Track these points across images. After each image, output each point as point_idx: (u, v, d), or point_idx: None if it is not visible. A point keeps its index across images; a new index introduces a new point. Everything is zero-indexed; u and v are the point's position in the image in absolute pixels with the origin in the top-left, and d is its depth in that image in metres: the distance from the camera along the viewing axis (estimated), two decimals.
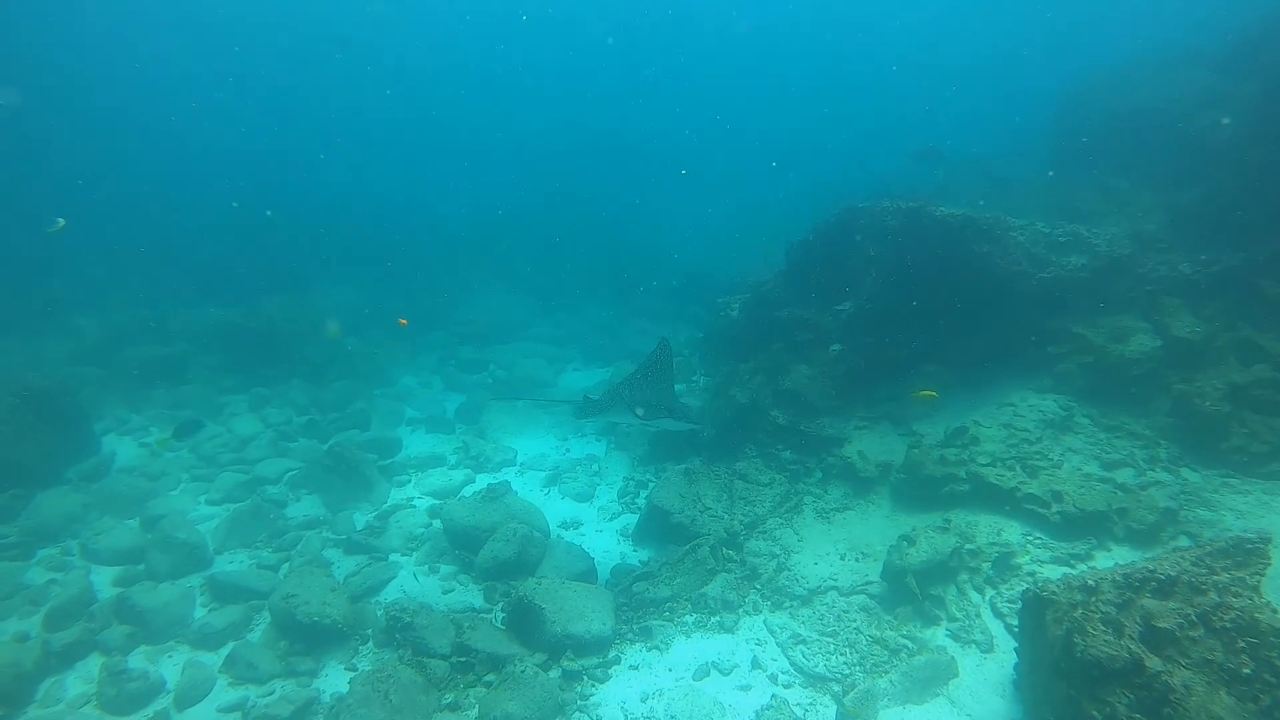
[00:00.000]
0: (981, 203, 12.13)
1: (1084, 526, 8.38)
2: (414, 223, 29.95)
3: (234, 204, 24.62)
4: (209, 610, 8.71)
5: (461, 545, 10.07)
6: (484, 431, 14.26)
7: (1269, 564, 6.32)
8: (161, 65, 48.41)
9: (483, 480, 12.38)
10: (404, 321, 15.88)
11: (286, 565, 9.87)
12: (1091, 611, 5.72)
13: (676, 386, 15.18)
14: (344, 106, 53.77)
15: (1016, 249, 10.89)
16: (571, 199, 31.34)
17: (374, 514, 11.28)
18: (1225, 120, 12.62)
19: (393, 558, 10.25)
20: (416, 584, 9.63)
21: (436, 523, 10.82)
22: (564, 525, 11.24)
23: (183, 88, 47.98)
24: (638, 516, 10.90)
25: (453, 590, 9.51)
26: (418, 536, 10.68)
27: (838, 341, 11.55)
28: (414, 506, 11.63)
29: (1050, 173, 15.24)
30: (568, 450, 13.69)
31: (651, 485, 11.49)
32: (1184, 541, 8.20)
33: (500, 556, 9.48)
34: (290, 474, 12.26)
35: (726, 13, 54.60)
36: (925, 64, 48.21)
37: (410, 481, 12.58)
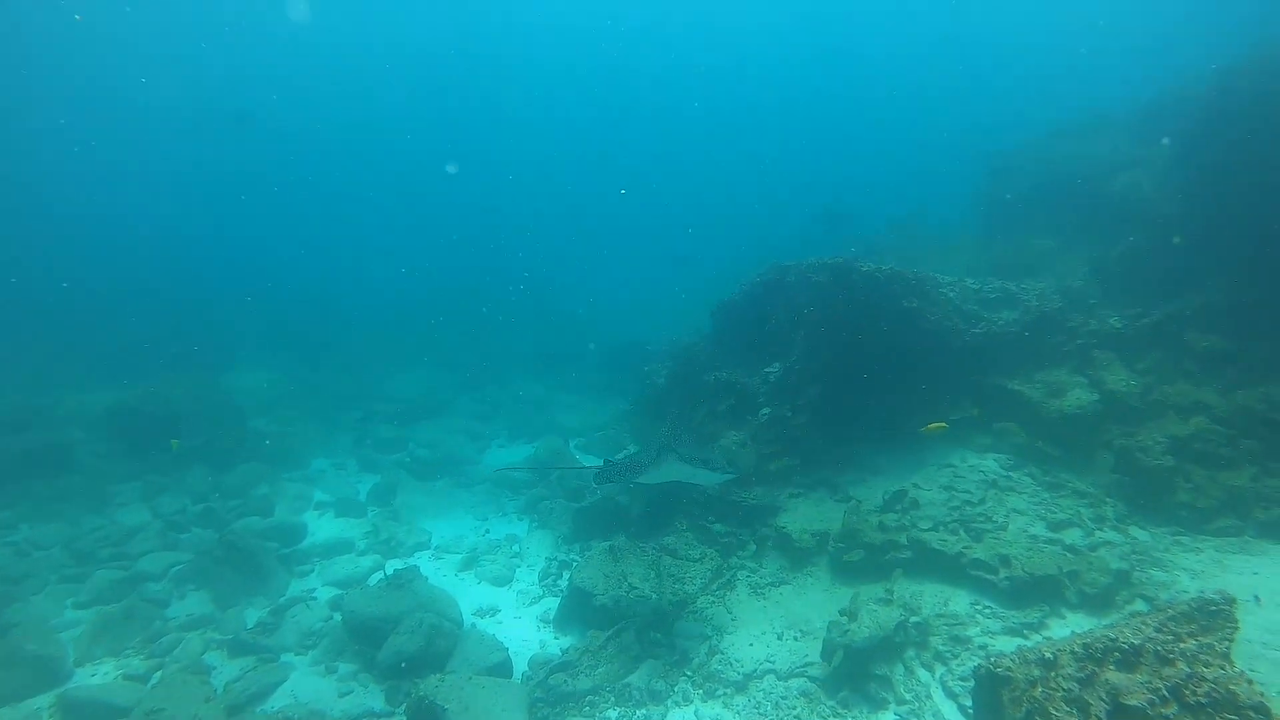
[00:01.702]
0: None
1: (1035, 592, 7.77)
2: (336, 301, 29.08)
3: (140, 280, 23.40)
4: None
5: (363, 640, 8.98)
6: (398, 513, 13.22)
7: (1237, 628, 5.74)
8: (61, 136, 46.97)
9: (394, 566, 11.27)
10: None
11: (159, 674, 8.60)
12: (1052, 689, 5.03)
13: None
14: (257, 181, 52.76)
15: (947, 305, 10.62)
16: (500, 273, 30.98)
17: (269, 609, 10.09)
18: (1165, 140, 12.76)
19: (285, 658, 9.08)
20: (310, 687, 8.48)
21: (337, 615, 9.68)
22: (479, 613, 10.19)
23: (84, 162, 46.61)
24: (559, 600, 9.94)
25: (351, 692, 8.39)
26: (316, 632, 9.53)
27: (767, 405, 10.96)
28: (315, 598, 10.50)
29: (977, 233, 15.32)
30: (487, 531, 12.71)
31: (575, 565, 10.55)
32: (1140, 605, 7.64)
33: (405, 651, 8.44)
34: (177, 568, 10.99)
35: (661, 78, 55.93)
36: (859, 134, 49.90)
37: (313, 571, 11.43)
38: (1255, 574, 7.97)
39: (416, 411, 18.56)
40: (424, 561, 11.62)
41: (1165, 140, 13.10)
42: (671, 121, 58.27)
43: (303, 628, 9.57)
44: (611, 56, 55.17)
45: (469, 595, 10.55)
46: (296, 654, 9.16)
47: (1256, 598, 7.44)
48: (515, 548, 11.95)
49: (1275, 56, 11.44)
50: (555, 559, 11.30)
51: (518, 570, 11.29)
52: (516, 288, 29.45)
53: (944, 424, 9.80)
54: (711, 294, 13.03)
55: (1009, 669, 5.32)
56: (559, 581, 10.66)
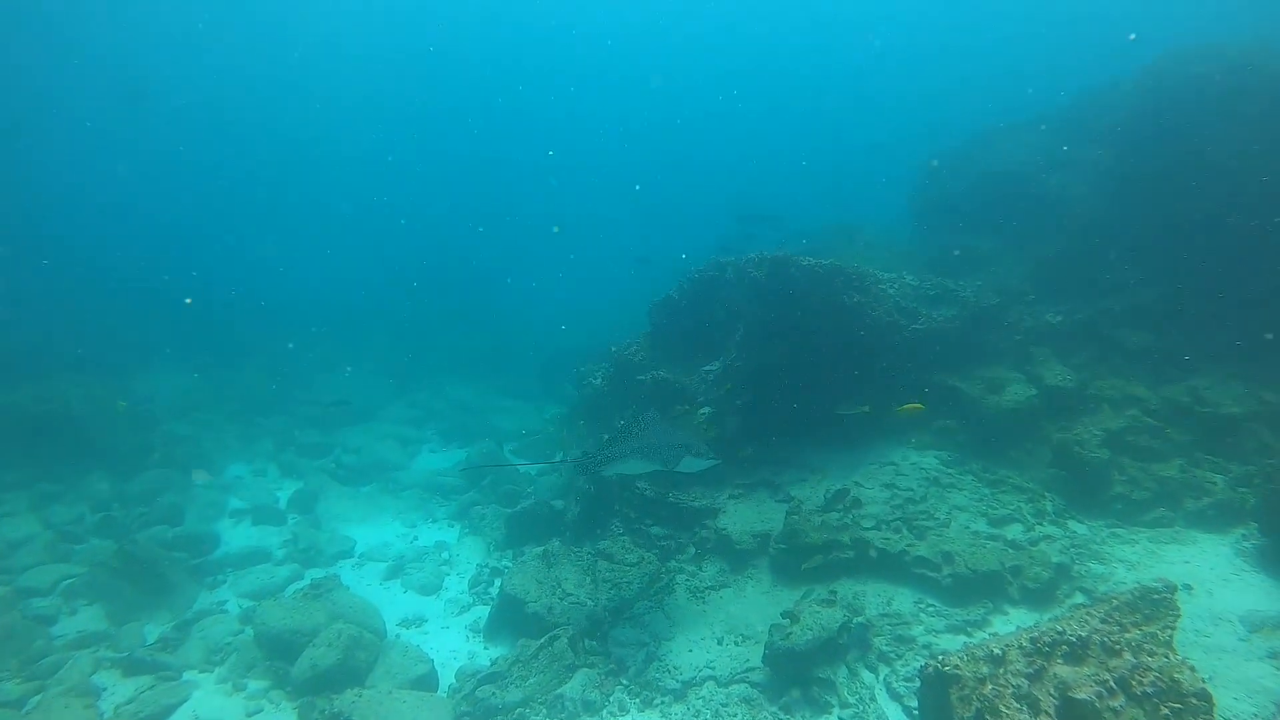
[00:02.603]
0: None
1: (978, 588, 7.64)
2: (261, 301, 27.84)
3: (44, 264, 21.89)
4: None
5: (276, 654, 8.39)
6: (320, 521, 12.55)
7: (1179, 615, 5.68)
8: None
9: (313, 576, 10.65)
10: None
11: (38, 698, 7.84)
12: (1002, 686, 4.83)
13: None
14: (178, 175, 50.65)
15: (887, 301, 10.53)
16: (436, 275, 30.14)
17: (172, 624, 9.37)
18: (1093, 143, 12.96)
19: (188, 675, 8.39)
20: (214, 706, 7.85)
21: (248, 629, 9.04)
22: (404, 623, 9.66)
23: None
24: (490, 608, 9.47)
25: (260, 711, 7.80)
26: (224, 647, 8.87)
27: (707, 404, 10.69)
28: (225, 611, 9.83)
29: (915, 236, 15.39)
30: (415, 538, 12.15)
31: (507, 572, 10.07)
32: (1080, 598, 7.59)
33: (320, 665, 7.87)
34: (68, 582, 10.14)
35: (613, 79, 55.74)
36: (800, 140, 50.45)
37: (225, 582, 10.71)
38: (1187, 563, 8.01)
39: (343, 416, 17.77)
40: (346, 570, 11.02)
41: (1094, 143, 13.35)
42: (624, 124, 58.17)
43: (210, 643, 8.90)
44: (564, 57, 54.92)
45: (394, 605, 10.01)
46: (201, 671, 8.48)
47: (1189, 586, 7.45)
48: (445, 555, 11.43)
49: (1194, 59, 11.73)
50: (487, 566, 10.83)
51: (447, 578, 10.78)
52: (453, 289, 28.66)
53: (920, 405, 9.66)
54: (656, 293, 12.72)
55: (957, 667, 5.10)
56: (490, 589, 10.19)
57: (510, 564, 10.50)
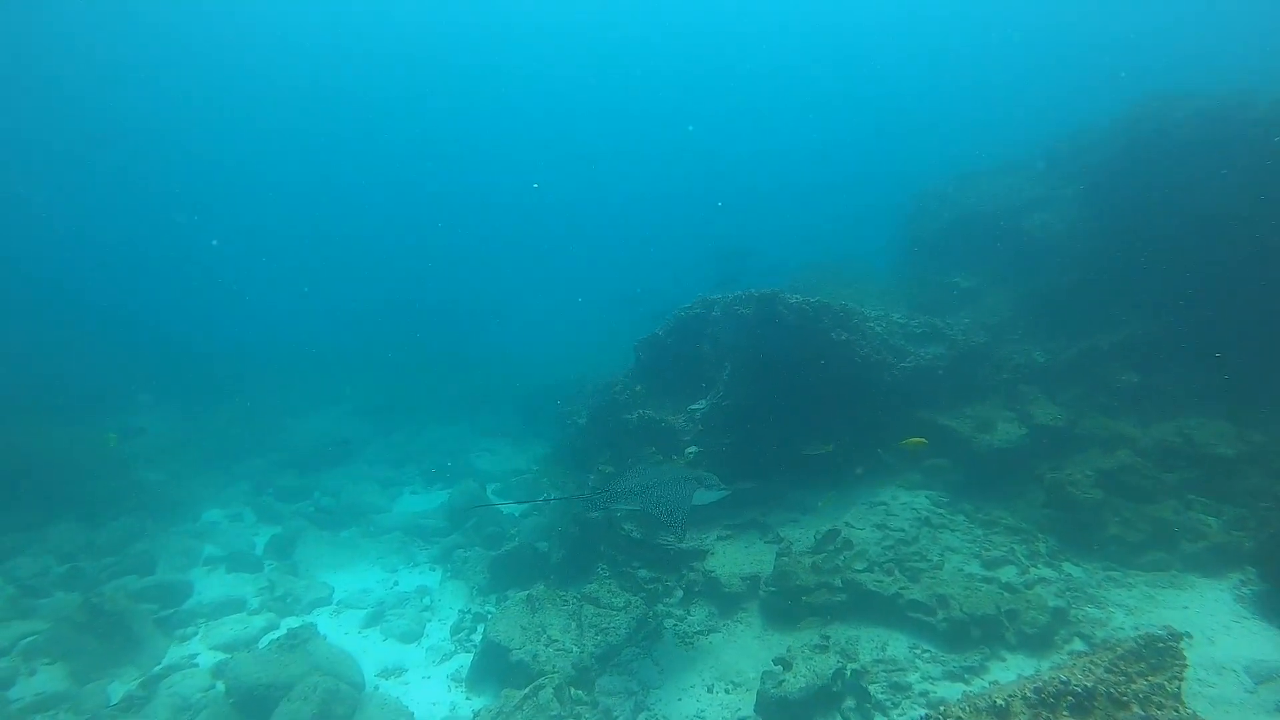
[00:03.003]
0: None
1: (974, 633, 7.44)
2: (237, 341, 27.47)
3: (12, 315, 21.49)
4: None
5: (248, 710, 8.05)
6: (297, 567, 12.18)
7: (1185, 665, 5.49)
8: None
9: (289, 625, 10.28)
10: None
11: None
12: None
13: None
14: (150, 209, 50.14)
15: (875, 338, 10.47)
16: (417, 314, 29.85)
17: (139, 680, 8.96)
18: (1072, 183, 13.05)
19: None
20: None
21: (220, 684, 8.68)
22: (384, 673, 9.32)
23: None
24: (473, 656, 9.15)
25: None
26: (194, 704, 8.46)
27: (694, 443, 10.52)
28: (196, 665, 9.42)
29: (896, 275, 15.43)
30: (396, 583, 11.79)
31: (490, 618, 9.76)
32: (1078, 644, 7.39)
33: None
34: (28, 640, 9.68)
35: (596, 110, 56.27)
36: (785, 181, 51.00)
37: (197, 634, 10.31)
38: (1185, 608, 7.85)
39: (322, 459, 17.42)
40: (323, 619, 10.66)
41: (1073, 183, 13.49)
42: (608, 157, 58.67)
43: (179, 700, 8.51)
44: (543, 91, 55.53)
45: (373, 654, 9.67)
46: None
47: (1188, 634, 7.28)
48: (426, 600, 11.09)
49: (1168, 105, 11.91)
50: (469, 611, 10.50)
51: (428, 625, 10.44)
52: (432, 328, 28.39)
53: (923, 440, 9.51)
54: (641, 331, 12.62)
55: (959, 718, 4.91)
56: (473, 636, 9.88)
57: (494, 609, 10.20)
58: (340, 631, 10.32)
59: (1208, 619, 7.60)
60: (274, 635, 10.02)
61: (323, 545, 12.88)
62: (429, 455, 18.00)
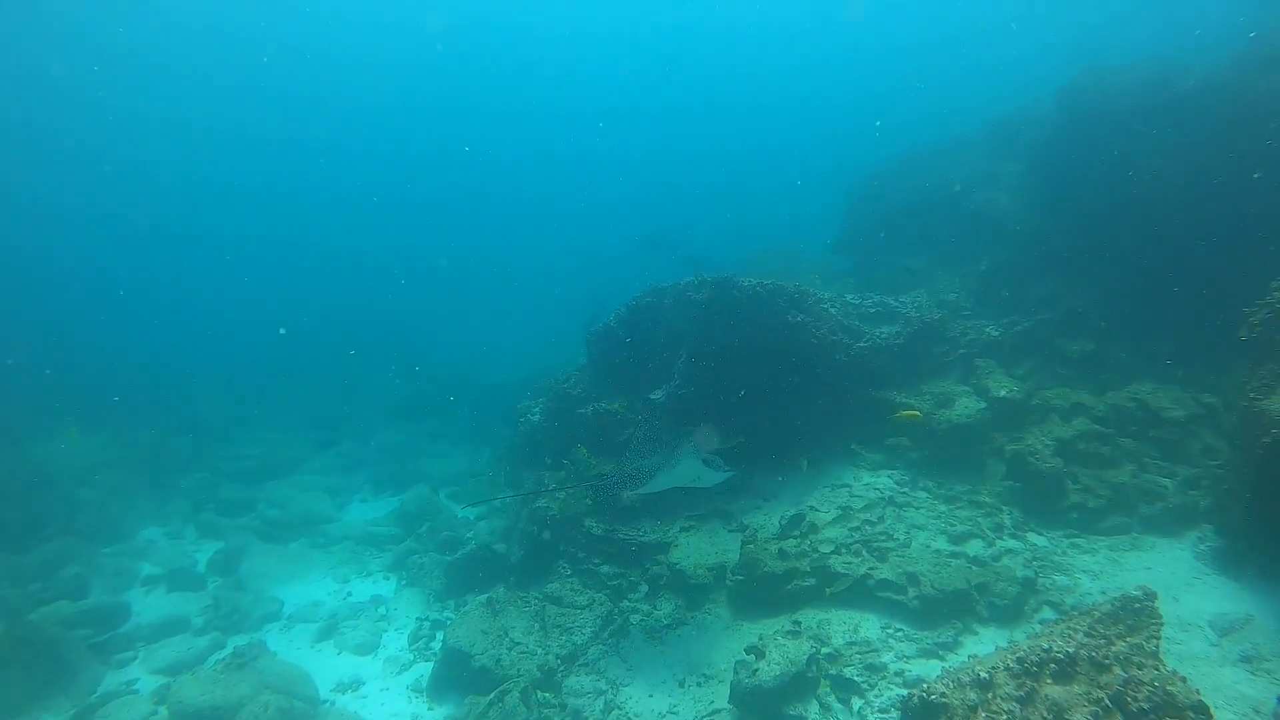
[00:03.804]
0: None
1: (945, 609, 7.34)
2: (175, 353, 26.38)
3: None
4: None
5: None
6: (244, 582, 11.63)
7: (1161, 624, 5.44)
8: None
9: (237, 643, 9.77)
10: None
11: None
12: (995, 713, 4.48)
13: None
14: (80, 218, 48.13)
15: (830, 320, 10.35)
16: (364, 318, 29.12)
17: (72, 712, 8.41)
18: (1016, 159, 13.09)
19: None
20: None
21: (163, 709, 8.18)
22: (340, 687, 8.92)
23: None
24: (433, 664, 8.80)
25: None
26: None
27: None
28: (135, 691, 8.93)
29: (846, 257, 15.41)
30: (349, 594, 11.36)
31: (450, 624, 9.40)
32: (1048, 612, 7.35)
33: None
34: None
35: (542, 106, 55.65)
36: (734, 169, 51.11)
37: (136, 658, 9.76)
38: (1149, 569, 7.88)
39: (267, 470, 16.73)
40: (273, 635, 10.22)
41: (1018, 158, 13.57)
42: (553, 153, 58.16)
43: None
44: (488, 88, 54.77)
45: (328, 668, 9.30)
46: None
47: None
48: (381, 610, 10.68)
49: (1108, 77, 12.02)
50: (427, 619, 10.13)
51: (385, 635, 10.05)
52: (379, 332, 27.69)
53: (917, 412, 9.39)
54: (593, 323, 12.33)
55: (944, 695, 4.74)
56: (432, 644, 9.54)
57: (453, 615, 9.86)
58: (292, 647, 9.90)
59: (1170, 578, 7.64)
60: (220, 655, 9.55)
61: (270, 558, 12.38)
62: (379, 461, 17.44)
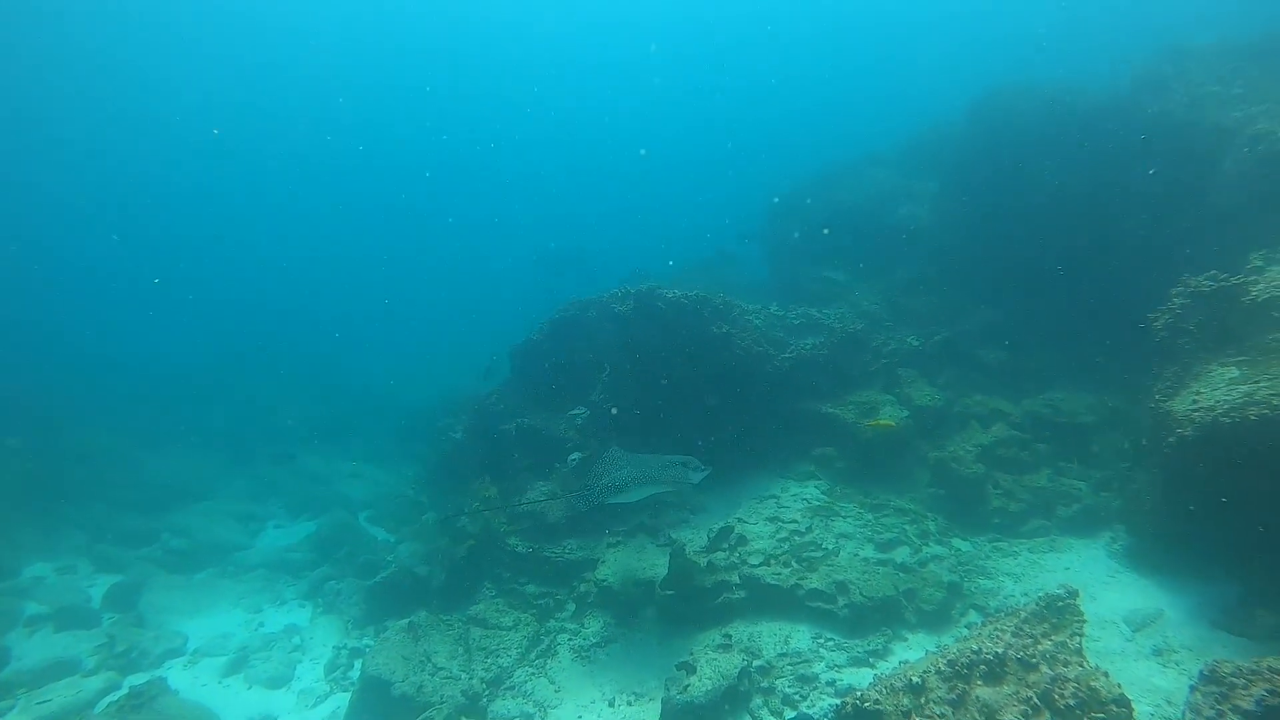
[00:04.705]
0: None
1: (875, 616, 7.36)
2: (68, 372, 24.75)
3: None
4: None
5: None
6: (144, 617, 10.87)
7: (1085, 621, 5.52)
8: None
9: (133, 683, 9.08)
10: None
11: None
12: (929, 717, 4.43)
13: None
14: None
15: (754, 331, 10.38)
16: (281, 343, 28.02)
17: None
18: (933, 176, 13.41)
19: None
20: None
21: None
22: None
23: None
24: (350, 694, 8.33)
25: None
26: None
27: (577, 449, 10.07)
28: None
29: (769, 273, 15.53)
30: (261, 624, 10.75)
31: (369, 651, 8.95)
32: (974, 616, 7.44)
33: None
34: None
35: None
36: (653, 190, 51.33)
37: (14, 707, 8.91)
38: (1067, 570, 8.08)
39: (172, 498, 15.79)
40: (176, 671, 9.53)
41: (935, 174, 13.96)
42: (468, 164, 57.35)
43: None
44: (390, 102, 53.74)
45: (236, 704, 8.77)
46: None
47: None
48: (296, 640, 10.13)
49: (1013, 97, 12.49)
50: (345, 647, 9.64)
51: (299, 666, 9.53)
52: (295, 353, 26.69)
53: (891, 422, 9.40)
54: (515, 338, 12.07)
55: (877, 702, 4.69)
56: (350, 673, 9.08)
57: (372, 642, 9.38)
58: (197, 683, 9.27)
59: (1087, 577, 7.83)
60: (114, 697, 8.82)
61: (174, 590, 11.60)
62: (294, 485, 16.68)
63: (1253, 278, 7.43)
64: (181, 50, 43.33)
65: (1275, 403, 6.08)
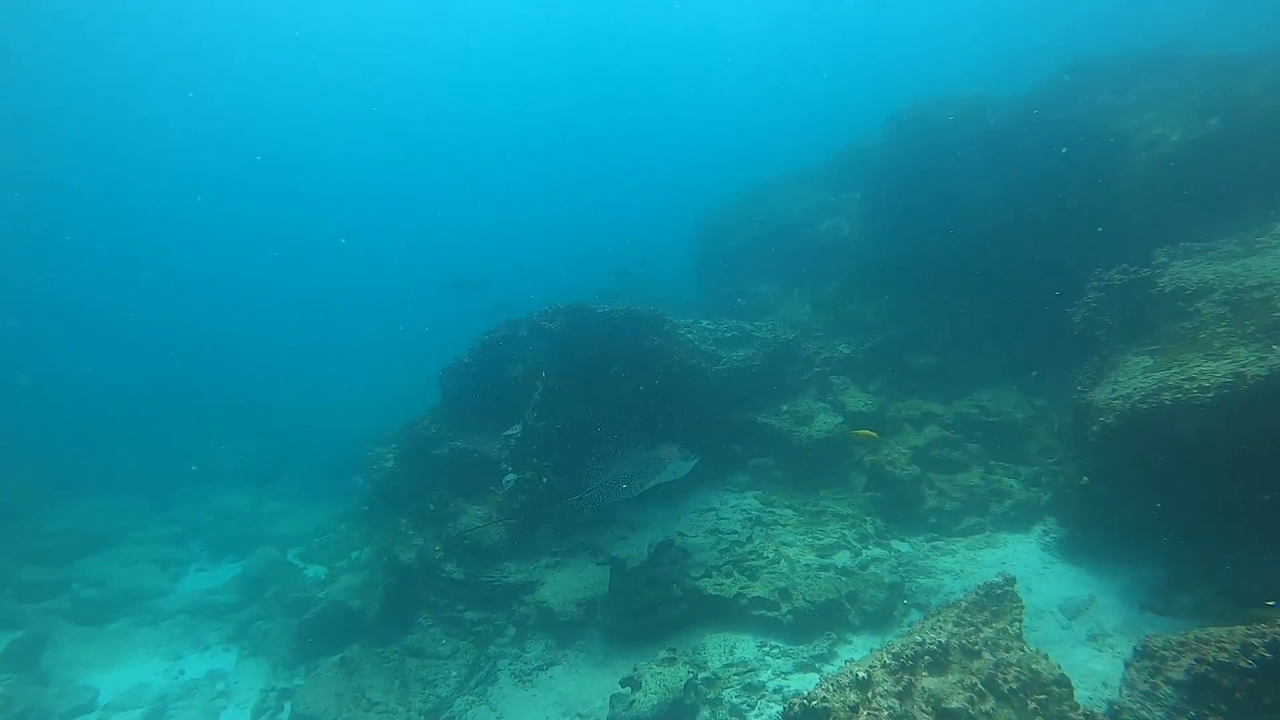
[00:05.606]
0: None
1: (819, 621, 7.33)
2: None
3: None
4: None
5: None
6: (47, 674, 10.17)
7: (1023, 607, 5.57)
8: None
9: None
10: None
11: None
12: (876, 711, 4.35)
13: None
14: None
15: (686, 344, 10.35)
16: (203, 377, 26.93)
17: None
18: (854, 189, 13.62)
19: None
20: None
21: None
22: None
23: None
24: None
25: None
26: None
27: (512, 470, 9.85)
28: None
29: (699, 290, 15.62)
30: (181, 672, 10.18)
31: (299, 691, 8.51)
32: (916, 615, 7.45)
33: None
34: None
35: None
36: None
37: None
38: (1003, 564, 8.16)
39: (83, 545, 14.88)
40: None
41: (857, 187, 14.26)
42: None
43: None
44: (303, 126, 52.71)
45: None
46: None
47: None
48: (220, 685, 9.63)
49: (929, 110, 12.87)
50: (273, 689, 9.19)
51: (223, 713, 9.08)
52: (215, 390, 25.66)
53: (874, 433, 9.34)
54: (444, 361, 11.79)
55: (824, 700, 4.59)
56: (279, 716, 8.64)
57: (303, 681, 8.93)
58: None
59: (1023, 570, 7.92)
60: None
61: (83, 643, 10.94)
62: (217, 526, 15.93)
63: (1159, 271, 7.72)
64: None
65: (1187, 387, 6.28)
